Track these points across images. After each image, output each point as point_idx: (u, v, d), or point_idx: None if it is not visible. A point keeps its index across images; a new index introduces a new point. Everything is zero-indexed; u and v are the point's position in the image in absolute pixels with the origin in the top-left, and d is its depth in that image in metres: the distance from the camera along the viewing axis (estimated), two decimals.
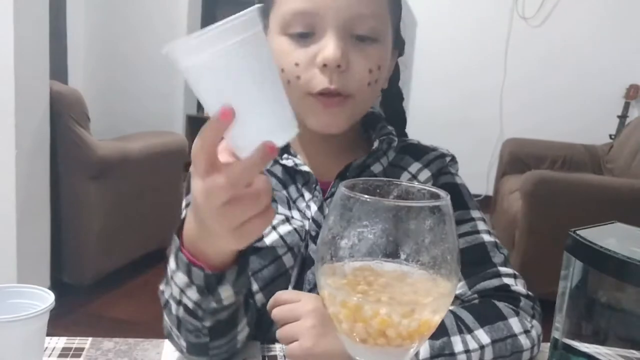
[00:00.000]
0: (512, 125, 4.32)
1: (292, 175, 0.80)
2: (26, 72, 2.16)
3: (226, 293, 0.58)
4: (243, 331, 0.67)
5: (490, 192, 3.89)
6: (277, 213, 0.77)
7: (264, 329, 0.75)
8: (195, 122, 4.56)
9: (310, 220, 0.77)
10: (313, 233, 0.76)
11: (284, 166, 0.80)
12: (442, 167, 0.83)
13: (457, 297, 0.75)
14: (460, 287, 0.75)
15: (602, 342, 0.65)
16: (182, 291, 0.59)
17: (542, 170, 2.92)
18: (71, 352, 0.70)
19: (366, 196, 0.41)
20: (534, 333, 0.71)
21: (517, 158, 3.59)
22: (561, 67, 4.27)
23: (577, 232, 0.66)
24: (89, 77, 4.21)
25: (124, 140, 2.76)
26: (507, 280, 0.74)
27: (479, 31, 4.35)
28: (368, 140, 0.84)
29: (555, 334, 0.70)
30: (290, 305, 0.66)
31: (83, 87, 3.42)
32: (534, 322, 0.72)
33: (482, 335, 0.67)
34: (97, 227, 2.53)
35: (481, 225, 0.78)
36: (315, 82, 0.71)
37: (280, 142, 0.47)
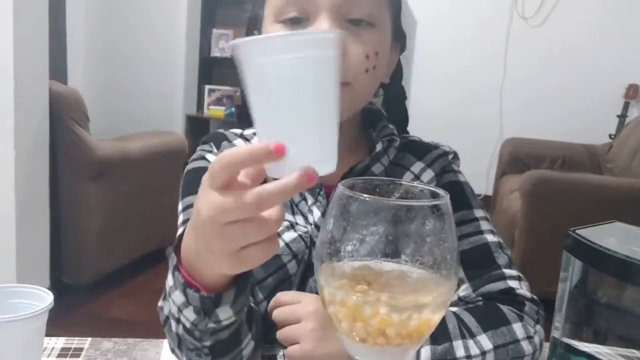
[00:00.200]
0: (512, 125, 4.31)
1: None
2: (26, 72, 2.16)
3: (225, 314, 0.55)
4: (248, 346, 0.64)
5: (490, 192, 3.88)
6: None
7: (265, 330, 0.75)
8: (195, 122, 4.56)
9: (313, 226, 0.75)
10: (316, 239, 0.75)
11: None
12: (445, 165, 0.81)
13: (461, 300, 0.73)
14: (465, 290, 0.73)
15: (602, 342, 0.65)
16: (179, 310, 0.57)
17: (541, 170, 2.93)
18: (70, 352, 0.70)
19: (365, 195, 0.41)
20: (536, 339, 0.69)
21: (517, 158, 3.59)
22: (561, 67, 4.26)
23: (577, 231, 0.66)
24: (88, 77, 4.21)
25: (124, 140, 2.75)
26: (511, 283, 0.73)
27: (479, 31, 4.34)
28: (369, 139, 0.82)
29: (555, 334, 0.70)
30: (291, 307, 0.65)
31: (83, 87, 3.41)
32: (538, 327, 0.70)
33: (485, 341, 0.66)
34: (96, 227, 2.53)
35: (485, 225, 0.77)
36: None
37: (319, 173, 0.43)
